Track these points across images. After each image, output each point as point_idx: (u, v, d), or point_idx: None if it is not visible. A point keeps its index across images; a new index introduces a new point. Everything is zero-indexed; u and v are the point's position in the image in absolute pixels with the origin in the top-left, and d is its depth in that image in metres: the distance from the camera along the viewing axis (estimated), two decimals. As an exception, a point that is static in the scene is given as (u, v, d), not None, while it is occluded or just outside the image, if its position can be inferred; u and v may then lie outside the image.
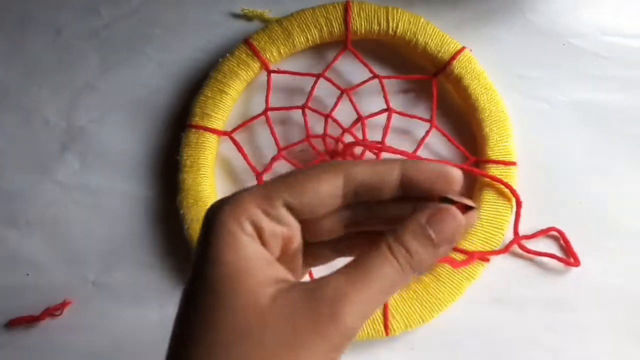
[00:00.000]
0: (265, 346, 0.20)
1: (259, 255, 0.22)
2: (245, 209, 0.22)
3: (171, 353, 0.22)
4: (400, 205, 0.24)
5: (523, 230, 0.41)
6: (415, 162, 0.24)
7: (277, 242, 0.23)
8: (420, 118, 0.42)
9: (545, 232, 0.41)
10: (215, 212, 0.22)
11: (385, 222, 0.25)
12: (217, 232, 0.21)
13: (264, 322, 0.20)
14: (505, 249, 0.41)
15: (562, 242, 0.41)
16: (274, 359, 0.20)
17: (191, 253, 0.41)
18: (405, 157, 0.41)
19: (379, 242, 0.22)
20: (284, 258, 0.24)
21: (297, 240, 0.24)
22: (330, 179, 0.23)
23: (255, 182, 0.42)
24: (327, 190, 0.23)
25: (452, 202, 0.24)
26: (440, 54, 0.42)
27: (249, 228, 0.22)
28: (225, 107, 0.43)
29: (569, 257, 0.41)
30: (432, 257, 0.23)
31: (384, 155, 0.42)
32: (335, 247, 0.26)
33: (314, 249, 0.26)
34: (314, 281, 0.21)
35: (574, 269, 0.41)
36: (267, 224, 0.22)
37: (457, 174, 0.24)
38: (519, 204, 0.40)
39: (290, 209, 0.23)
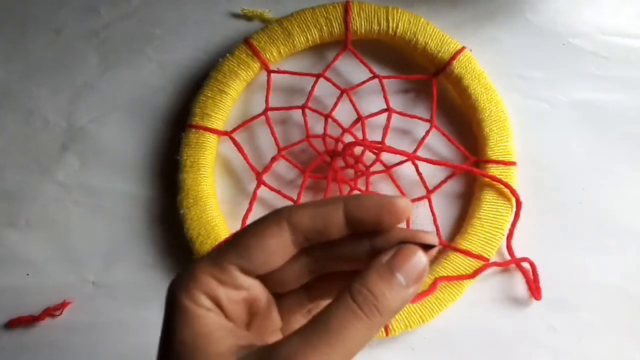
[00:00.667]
0: None
1: (217, 327, 0.21)
2: (197, 281, 0.22)
3: None
4: (356, 242, 0.23)
5: (523, 230, 0.41)
6: (356, 198, 0.23)
7: (240, 307, 0.23)
8: (420, 118, 0.42)
9: (519, 261, 0.41)
10: (171, 289, 0.22)
11: (346, 260, 0.24)
12: (173, 311, 0.22)
13: None
14: (474, 274, 0.40)
15: (531, 274, 0.41)
16: None
17: (192, 252, 0.41)
18: (406, 157, 0.41)
19: (339, 292, 0.21)
20: (257, 319, 0.24)
21: (263, 298, 0.24)
22: (275, 232, 0.22)
23: (255, 182, 0.42)
24: (275, 244, 0.22)
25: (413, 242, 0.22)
26: (440, 54, 0.42)
27: (204, 301, 0.22)
28: (225, 107, 0.43)
29: (534, 289, 0.40)
30: (401, 299, 0.21)
31: (384, 155, 0.42)
32: (309, 294, 0.25)
33: (289, 300, 0.25)
34: (272, 344, 0.21)
35: (575, 270, 0.41)
36: (222, 291, 0.22)
37: (401, 204, 0.22)
38: (519, 205, 0.40)
39: (244, 271, 0.22)
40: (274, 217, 0.23)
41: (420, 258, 0.22)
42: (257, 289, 0.23)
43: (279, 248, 0.22)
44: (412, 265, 0.21)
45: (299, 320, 0.26)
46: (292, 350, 0.20)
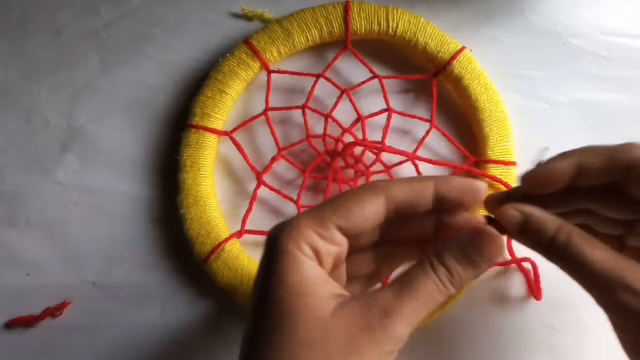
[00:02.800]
0: (328, 353, 0.23)
1: (318, 274, 0.25)
2: (303, 233, 0.25)
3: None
4: (432, 217, 0.28)
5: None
6: (446, 178, 0.27)
7: (331, 260, 0.26)
8: (420, 118, 0.42)
9: (519, 261, 0.41)
10: (277, 237, 0.25)
11: (419, 233, 0.28)
12: (281, 256, 0.24)
13: (326, 333, 0.23)
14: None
15: (532, 274, 0.40)
16: None
17: (192, 252, 0.42)
18: (406, 157, 0.41)
19: (423, 261, 0.26)
20: (333, 270, 0.27)
21: (345, 252, 0.27)
22: (374, 201, 0.26)
23: (255, 182, 0.42)
24: (371, 211, 0.26)
25: (490, 219, 0.28)
26: (440, 54, 0.42)
27: (308, 250, 0.25)
28: (225, 107, 0.43)
29: (534, 289, 0.40)
30: (472, 276, 0.26)
31: (384, 155, 0.42)
32: (375, 257, 0.30)
33: (356, 259, 0.29)
34: (366, 296, 0.24)
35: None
36: (322, 245, 0.25)
37: (483, 186, 0.27)
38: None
39: (341, 229, 0.26)
40: (373, 187, 0.26)
41: (497, 240, 0.26)
42: (345, 246, 0.27)
43: (374, 214, 0.26)
44: (487, 248, 0.26)
45: (359, 281, 0.31)
46: (389, 302, 0.24)
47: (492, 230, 0.26)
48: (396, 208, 0.26)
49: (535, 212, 0.27)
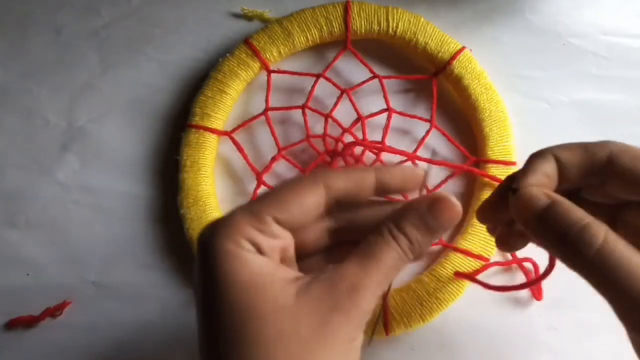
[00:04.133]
0: (301, 340, 0.22)
1: (265, 265, 0.24)
2: (239, 229, 0.23)
3: None
4: (375, 209, 0.27)
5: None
6: (387, 167, 0.27)
7: (276, 254, 0.25)
8: (420, 118, 0.42)
9: (520, 261, 0.41)
10: (211, 237, 0.23)
11: (364, 224, 0.27)
12: (221, 257, 0.23)
13: (295, 320, 0.23)
14: (476, 273, 0.40)
15: (533, 274, 0.41)
16: (310, 346, 0.22)
17: (192, 252, 0.41)
18: (406, 157, 0.41)
19: (380, 229, 0.25)
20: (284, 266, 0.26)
21: (291, 249, 0.26)
22: (313, 191, 0.25)
23: (255, 182, 0.42)
24: (310, 202, 0.25)
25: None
26: (440, 54, 0.42)
27: (248, 246, 0.23)
28: (225, 107, 0.43)
29: (535, 289, 0.40)
30: (429, 243, 0.26)
31: (383, 155, 0.42)
32: (326, 258, 0.28)
33: (308, 262, 0.28)
34: (330, 272, 0.24)
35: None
36: (262, 239, 0.24)
37: (420, 175, 0.27)
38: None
39: (280, 222, 0.24)
40: (312, 178, 0.25)
41: (455, 206, 0.25)
42: (288, 240, 0.25)
43: (313, 206, 0.25)
44: (445, 214, 0.25)
45: None
46: (355, 276, 0.24)
47: (449, 196, 0.25)
48: (337, 198, 0.26)
49: (563, 199, 0.24)
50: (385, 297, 0.40)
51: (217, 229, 0.24)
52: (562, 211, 0.24)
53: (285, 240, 0.25)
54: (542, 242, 0.25)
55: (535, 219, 0.25)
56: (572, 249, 0.23)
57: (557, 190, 0.26)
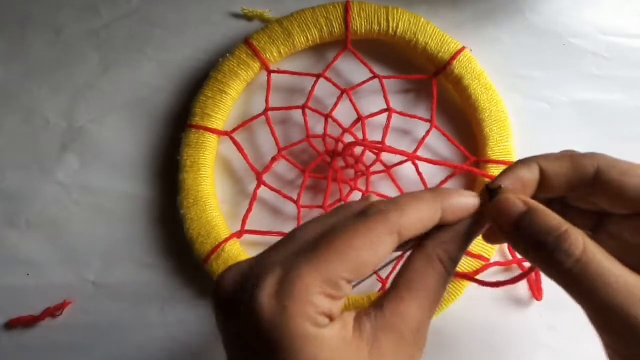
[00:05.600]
0: None
1: (337, 335, 0.21)
2: (311, 302, 0.20)
3: None
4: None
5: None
6: (452, 205, 0.24)
7: (339, 314, 0.22)
8: (420, 118, 0.42)
9: (520, 261, 0.41)
10: (280, 314, 0.20)
11: None
12: (296, 343, 0.20)
13: None
14: (475, 273, 0.40)
15: (533, 274, 0.41)
16: None
17: (192, 252, 0.41)
18: (406, 157, 0.41)
19: (430, 259, 0.24)
20: None
21: None
22: (386, 242, 0.22)
23: (255, 182, 0.42)
24: (384, 253, 0.22)
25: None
26: (440, 54, 0.42)
27: (322, 320, 0.21)
28: (225, 107, 0.43)
29: (535, 289, 0.40)
30: (462, 256, 0.25)
31: (384, 155, 0.42)
32: None
33: None
34: (389, 316, 0.23)
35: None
36: (334, 305, 0.21)
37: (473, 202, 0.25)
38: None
39: (350, 282, 0.22)
40: (385, 226, 0.22)
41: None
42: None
43: (385, 256, 0.23)
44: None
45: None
46: (416, 315, 0.23)
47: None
48: (406, 239, 0.24)
49: (541, 206, 0.24)
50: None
51: (284, 304, 0.20)
52: (539, 218, 0.23)
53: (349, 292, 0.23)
54: (520, 249, 0.24)
55: (511, 226, 0.24)
56: (550, 257, 0.22)
57: (540, 198, 0.25)
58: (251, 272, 0.22)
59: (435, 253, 0.24)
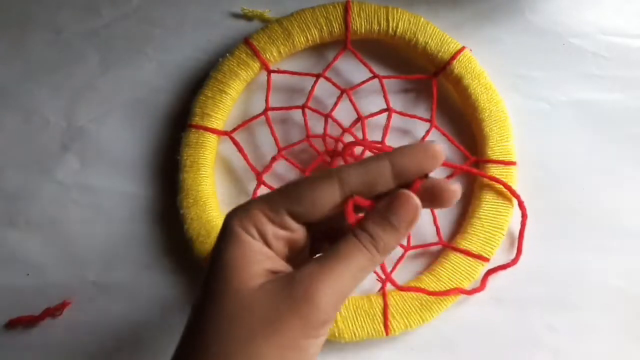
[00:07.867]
0: (251, 327, 0.24)
1: (259, 251, 0.25)
2: (252, 216, 0.26)
3: (187, 325, 0.26)
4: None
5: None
6: (400, 150, 0.26)
7: (282, 243, 0.26)
8: (420, 118, 0.43)
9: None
10: (227, 219, 0.26)
11: None
12: (226, 236, 0.26)
13: (251, 307, 0.24)
14: (482, 286, 0.40)
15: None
16: (257, 333, 0.23)
17: (192, 252, 0.41)
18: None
19: (347, 232, 0.26)
20: (292, 255, 0.27)
21: (303, 241, 0.27)
22: (325, 187, 0.25)
23: (255, 182, 0.42)
24: (324, 197, 0.25)
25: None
26: (440, 54, 0.42)
27: (253, 231, 0.25)
28: (225, 107, 0.43)
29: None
30: (394, 239, 0.26)
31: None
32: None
33: (325, 245, 0.30)
34: (293, 270, 0.25)
35: (575, 270, 0.41)
36: (270, 228, 0.26)
37: (439, 148, 0.26)
38: (522, 205, 0.40)
39: (293, 215, 0.26)
40: (325, 174, 0.26)
41: (410, 200, 0.25)
42: (300, 233, 0.27)
43: (327, 200, 0.26)
44: (403, 209, 0.25)
45: None
46: (310, 272, 0.24)
47: (406, 192, 0.25)
48: (354, 191, 0.25)
49: None
50: (385, 296, 0.40)
51: (236, 211, 0.26)
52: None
53: (296, 233, 0.26)
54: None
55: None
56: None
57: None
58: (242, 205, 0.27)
59: (351, 230, 0.26)
